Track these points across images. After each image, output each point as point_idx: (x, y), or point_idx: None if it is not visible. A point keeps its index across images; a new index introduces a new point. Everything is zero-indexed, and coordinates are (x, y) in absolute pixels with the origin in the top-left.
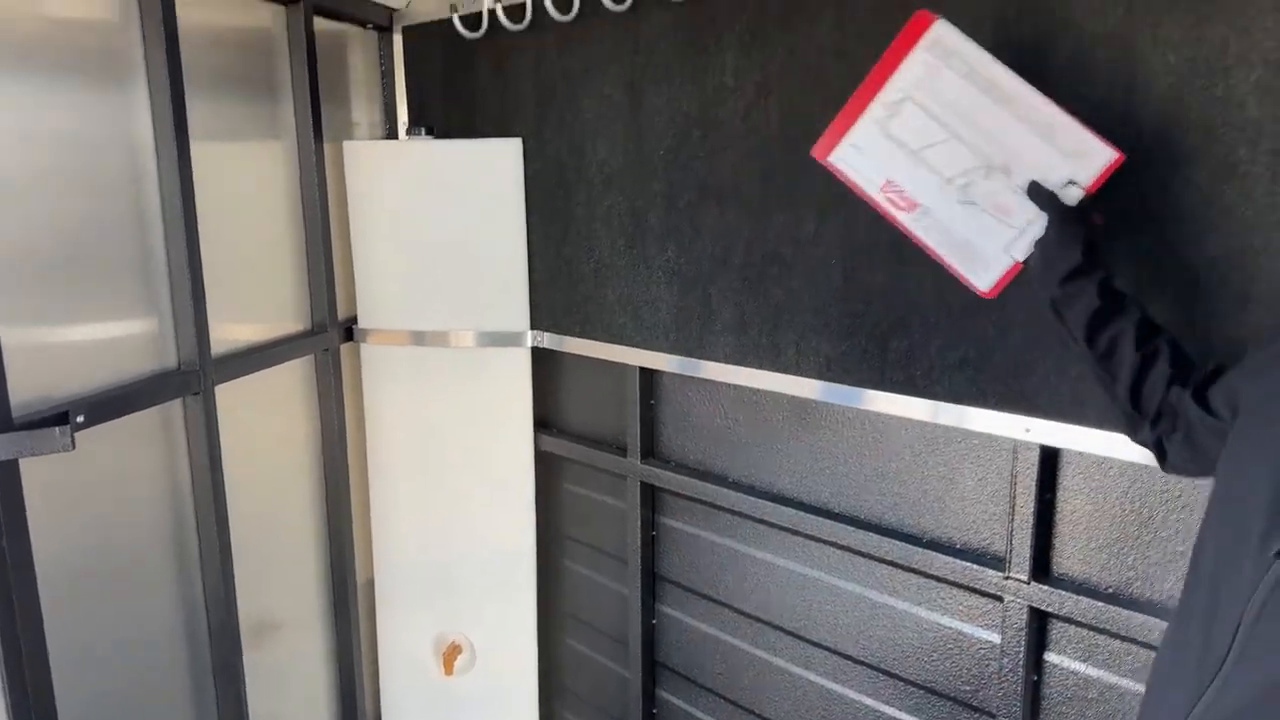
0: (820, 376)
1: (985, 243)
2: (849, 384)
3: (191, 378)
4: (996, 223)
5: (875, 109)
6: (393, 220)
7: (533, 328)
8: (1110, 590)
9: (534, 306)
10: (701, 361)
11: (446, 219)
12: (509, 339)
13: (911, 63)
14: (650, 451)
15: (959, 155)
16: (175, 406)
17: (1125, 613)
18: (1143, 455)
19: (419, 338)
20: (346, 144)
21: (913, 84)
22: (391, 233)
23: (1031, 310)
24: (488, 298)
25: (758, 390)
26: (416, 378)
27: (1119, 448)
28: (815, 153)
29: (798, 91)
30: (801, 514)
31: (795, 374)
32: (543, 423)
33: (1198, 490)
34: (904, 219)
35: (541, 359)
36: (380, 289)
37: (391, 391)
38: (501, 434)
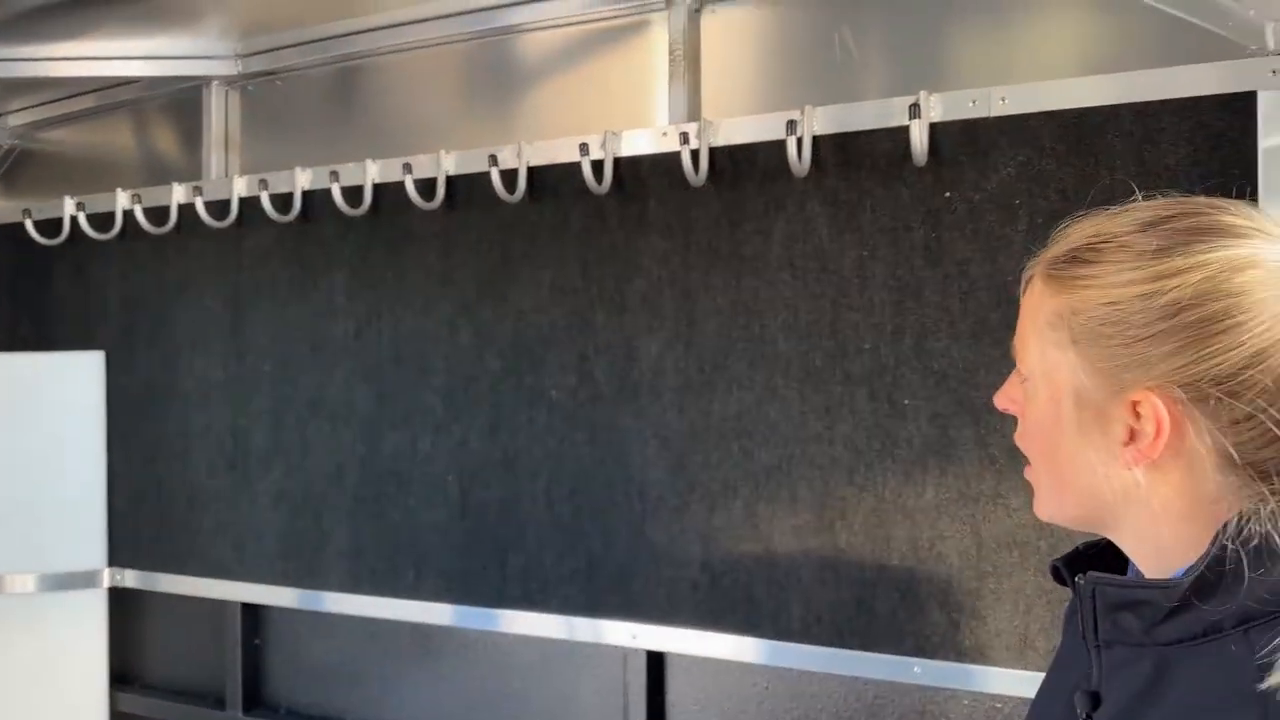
0: (440, 599)
1: None
2: (469, 604)
3: None
4: None
5: None
6: None
7: (111, 565)
8: None
9: (114, 540)
10: (314, 592)
11: (2, 442)
12: (81, 580)
13: None
14: (255, 700)
15: None
16: None
17: None
18: (733, 652)
19: None
20: None
21: None
22: None
23: (630, 520)
24: (54, 533)
25: (376, 619)
26: None
27: (714, 647)
28: None
29: (408, 313)
30: None
31: (415, 598)
32: (122, 678)
33: (784, 682)
34: None
35: (123, 601)
36: None
37: None
38: (67, 696)
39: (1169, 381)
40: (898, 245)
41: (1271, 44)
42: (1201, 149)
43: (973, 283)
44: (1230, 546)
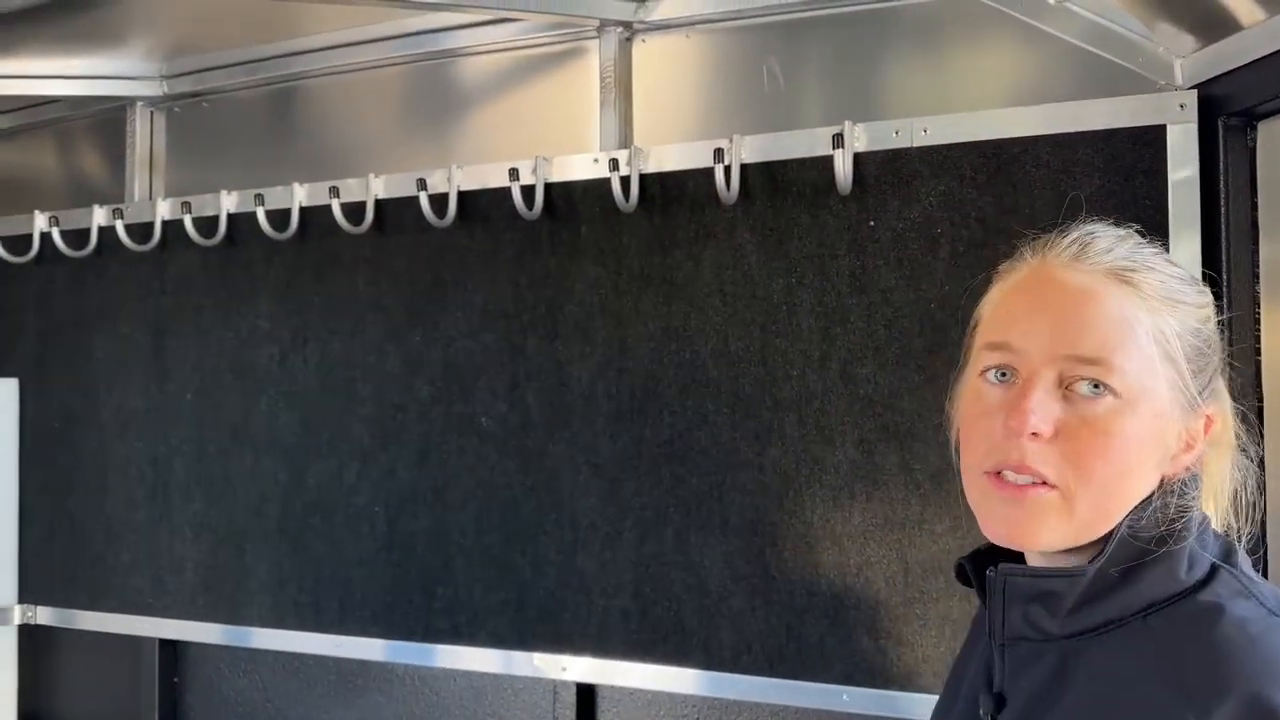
0: (365, 633)
1: None
2: (396, 638)
3: None
4: None
5: None
6: None
7: (23, 602)
8: None
9: (25, 575)
10: (235, 627)
11: None
12: None
13: None
14: None
15: None
16: None
17: None
18: (664, 683)
19: None
20: None
21: None
22: None
23: (561, 549)
24: None
25: (300, 655)
26: None
27: (644, 678)
28: None
29: (335, 339)
30: None
31: (339, 633)
32: (32, 718)
33: (714, 712)
34: None
35: (35, 639)
36: None
37: None
38: None
39: (1213, 394)
40: (824, 273)
41: (1180, 79)
42: (1115, 180)
43: (896, 310)
44: (1134, 537)
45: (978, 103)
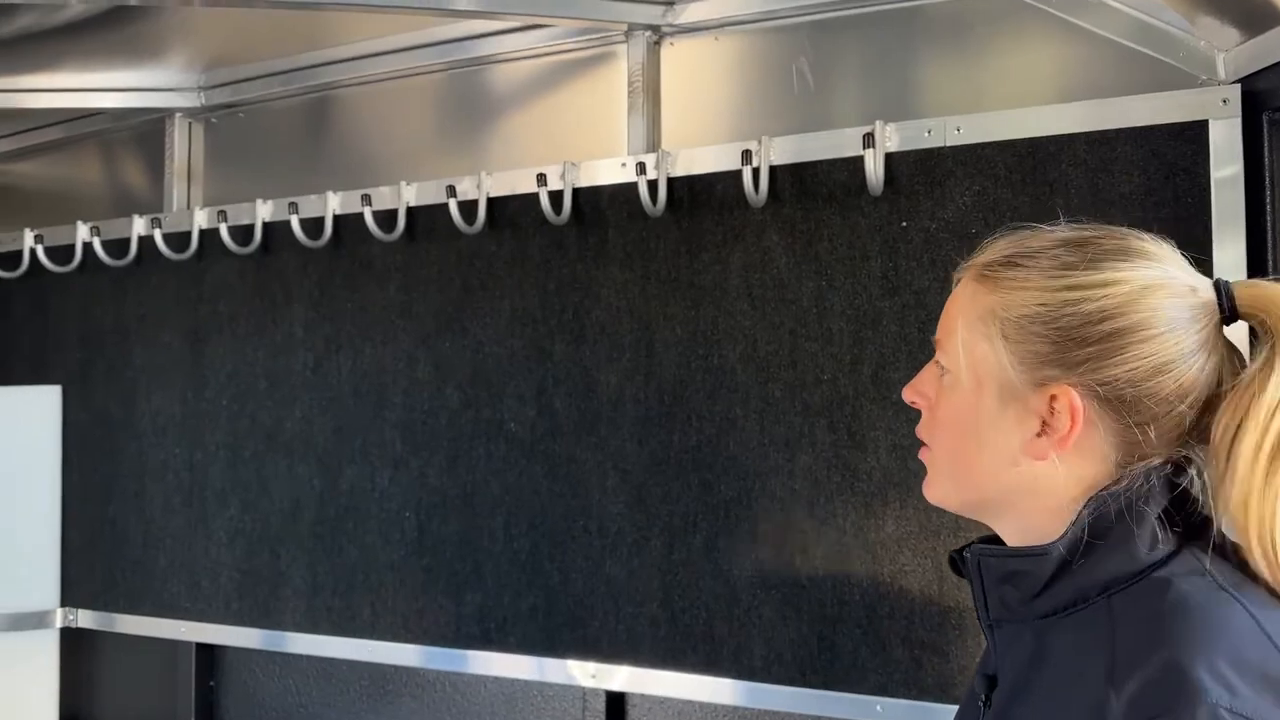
0: (396, 638)
1: None
2: (426, 643)
3: None
4: None
5: None
6: None
7: (64, 605)
8: None
9: (67, 579)
10: (270, 632)
11: None
12: (31, 620)
13: None
14: None
15: None
16: None
17: None
18: (694, 692)
19: None
20: None
21: None
22: None
23: (589, 555)
24: (5, 572)
25: (332, 659)
26: None
27: (674, 687)
28: None
29: (367, 346)
30: None
31: (371, 637)
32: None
33: None
34: None
35: (75, 642)
36: None
37: None
38: None
39: (1085, 380)
40: (855, 275)
41: (1222, 74)
42: (1155, 178)
43: (930, 313)
44: (1096, 519)
45: (1012, 101)
